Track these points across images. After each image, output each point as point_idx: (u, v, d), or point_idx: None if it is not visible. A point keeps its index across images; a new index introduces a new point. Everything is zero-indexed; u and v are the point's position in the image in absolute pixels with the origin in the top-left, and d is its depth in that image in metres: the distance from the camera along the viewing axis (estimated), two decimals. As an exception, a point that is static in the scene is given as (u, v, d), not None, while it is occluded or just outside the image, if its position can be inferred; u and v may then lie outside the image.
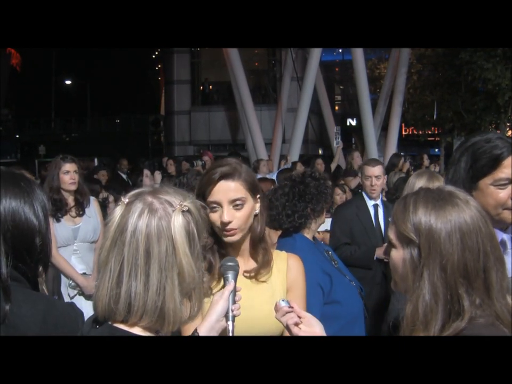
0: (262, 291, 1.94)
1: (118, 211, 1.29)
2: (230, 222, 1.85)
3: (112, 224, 1.28)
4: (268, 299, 1.91)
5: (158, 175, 6.63)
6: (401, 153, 9.78)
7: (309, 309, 2.03)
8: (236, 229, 1.87)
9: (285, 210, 2.81)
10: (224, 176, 1.87)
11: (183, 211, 1.28)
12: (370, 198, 4.48)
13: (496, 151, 1.90)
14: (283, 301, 1.65)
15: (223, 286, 1.88)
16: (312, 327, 1.58)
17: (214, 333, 1.55)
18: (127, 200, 1.30)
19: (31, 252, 1.54)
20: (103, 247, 1.29)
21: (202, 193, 1.89)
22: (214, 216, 1.87)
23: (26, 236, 1.53)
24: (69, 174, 4.18)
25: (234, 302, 1.60)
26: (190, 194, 1.36)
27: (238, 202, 1.86)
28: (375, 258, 4.23)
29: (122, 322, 1.27)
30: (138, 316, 1.25)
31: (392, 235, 1.43)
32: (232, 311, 1.58)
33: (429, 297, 1.33)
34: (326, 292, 2.71)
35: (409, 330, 1.36)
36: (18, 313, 1.43)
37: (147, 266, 1.24)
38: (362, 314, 2.86)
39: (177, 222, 1.26)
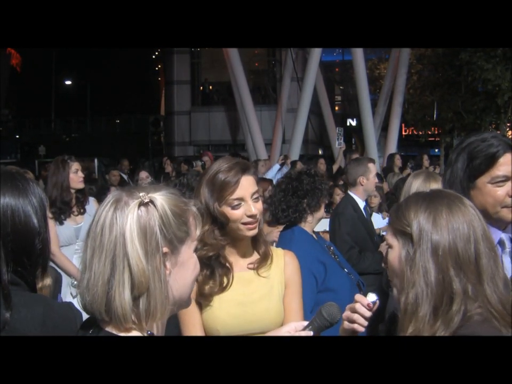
0: (261, 286, 1.97)
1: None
2: (256, 214, 1.90)
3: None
4: (265, 295, 1.96)
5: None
6: (396, 153, 9.79)
7: (302, 296, 2.09)
8: (257, 222, 1.93)
9: (281, 206, 2.96)
10: (244, 171, 1.92)
11: (144, 203, 1.23)
12: (364, 199, 4.45)
13: (492, 149, 1.92)
14: (376, 295, 1.58)
15: (228, 283, 1.90)
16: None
17: None
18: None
19: (31, 255, 1.53)
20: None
21: (221, 195, 1.90)
22: (238, 213, 1.90)
23: (26, 239, 1.51)
24: (78, 173, 4.29)
25: None
26: (170, 189, 1.31)
27: (256, 195, 1.93)
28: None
29: (106, 322, 1.25)
30: (96, 311, 1.22)
31: (388, 236, 1.48)
32: None
33: (419, 281, 1.36)
34: (320, 280, 2.82)
35: (403, 318, 1.39)
36: (18, 318, 1.42)
37: (101, 256, 1.21)
38: None
39: (132, 213, 1.22)
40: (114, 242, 1.21)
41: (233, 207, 1.90)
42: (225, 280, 1.95)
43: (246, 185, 1.90)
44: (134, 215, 1.22)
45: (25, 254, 1.51)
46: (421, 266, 1.36)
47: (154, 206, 1.24)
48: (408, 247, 1.41)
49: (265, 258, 2.01)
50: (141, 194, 1.24)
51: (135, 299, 1.21)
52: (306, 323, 1.57)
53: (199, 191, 1.94)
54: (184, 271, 1.30)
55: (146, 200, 1.24)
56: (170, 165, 8.81)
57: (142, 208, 1.23)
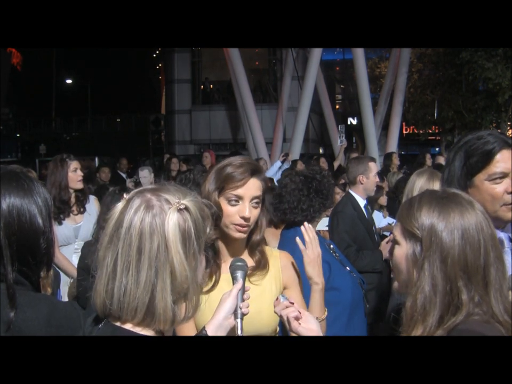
0: (251, 290, 1.93)
1: (118, 207, 1.30)
2: (249, 218, 1.87)
3: (111, 220, 1.29)
4: (256, 297, 1.90)
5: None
6: (394, 152, 9.78)
7: (307, 295, 2.10)
8: (249, 226, 1.90)
9: (300, 205, 2.90)
10: (254, 173, 1.90)
11: (180, 209, 1.27)
12: (364, 198, 4.44)
13: (488, 146, 1.92)
14: (282, 296, 1.68)
15: (216, 282, 1.90)
16: (309, 324, 1.60)
17: (222, 331, 1.55)
18: (128, 196, 1.31)
19: (35, 254, 1.53)
20: (102, 242, 1.30)
21: (222, 186, 1.90)
22: (232, 210, 1.89)
23: (31, 239, 1.52)
24: (77, 172, 4.23)
25: (242, 300, 1.62)
26: (192, 192, 1.35)
27: (257, 200, 1.90)
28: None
29: (119, 319, 1.27)
30: (129, 313, 1.25)
31: (396, 232, 1.47)
32: (241, 308, 1.59)
33: (428, 289, 1.36)
34: (325, 278, 2.80)
35: (408, 323, 1.38)
36: (22, 318, 1.43)
37: (138, 262, 1.23)
38: (362, 303, 2.95)
39: (172, 220, 1.25)
40: (156, 249, 1.23)
41: (230, 202, 1.89)
42: (214, 276, 1.93)
43: (250, 186, 1.89)
44: (175, 222, 1.25)
45: (30, 254, 1.52)
46: (430, 275, 1.36)
47: (189, 212, 1.28)
48: (416, 248, 1.40)
49: (259, 268, 1.98)
50: (176, 201, 1.27)
51: (174, 303, 1.26)
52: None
53: (205, 179, 1.96)
54: (201, 268, 1.35)
55: (182, 207, 1.27)
56: (178, 163, 8.74)
57: (179, 214, 1.27)
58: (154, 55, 33.23)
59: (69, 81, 35.63)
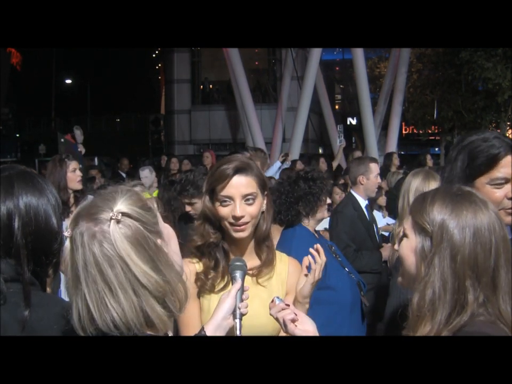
0: (260, 292, 1.94)
1: (66, 249, 1.26)
2: (242, 217, 1.86)
3: (66, 266, 1.26)
4: (265, 301, 1.87)
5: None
6: (394, 152, 9.78)
7: None
8: (246, 224, 1.88)
9: (276, 208, 2.94)
10: (238, 171, 1.87)
11: (118, 221, 1.22)
12: (365, 198, 4.44)
13: (494, 150, 1.91)
14: (278, 298, 1.67)
15: (228, 283, 1.90)
16: (305, 325, 1.59)
17: (221, 331, 1.55)
18: (69, 232, 1.26)
19: (48, 255, 1.53)
20: (68, 283, 1.26)
21: (213, 188, 1.90)
22: (225, 211, 1.88)
23: (46, 239, 1.52)
24: (76, 172, 4.19)
25: (241, 300, 1.62)
26: (118, 189, 1.29)
27: (249, 197, 1.88)
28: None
29: None
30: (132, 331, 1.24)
31: (406, 225, 1.46)
32: (239, 308, 1.59)
33: (438, 285, 1.34)
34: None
35: (415, 319, 1.37)
36: (35, 317, 1.43)
37: (111, 292, 1.20)
38: (358, 304, 2.95)
39: (117, 236, 1.21)
40: (122, 274, 1.20)
41: (222, 204, 1.88)
42: (225, 276, 1.93)
43: (238, 185, 1.86)
44: (120, 236, 1.21)
45: (43, 254, 1.52)
46: (440, 271, 1.34)
47: (128, 215, 1.24)
48: (425, 242, 1.39)
49: (265, 265, 1.96)
50: (110, 214, 1.22)
51: (164, 306, 1.26)
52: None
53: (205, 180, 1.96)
54: (172, 241, 1.35)
55: (119, 217, 1.22)
56: (178, 163, 8.74)
57: (120, 225, 1.22)
58: (153, 55, 33.21)
59: (68, 81, 35.58)
